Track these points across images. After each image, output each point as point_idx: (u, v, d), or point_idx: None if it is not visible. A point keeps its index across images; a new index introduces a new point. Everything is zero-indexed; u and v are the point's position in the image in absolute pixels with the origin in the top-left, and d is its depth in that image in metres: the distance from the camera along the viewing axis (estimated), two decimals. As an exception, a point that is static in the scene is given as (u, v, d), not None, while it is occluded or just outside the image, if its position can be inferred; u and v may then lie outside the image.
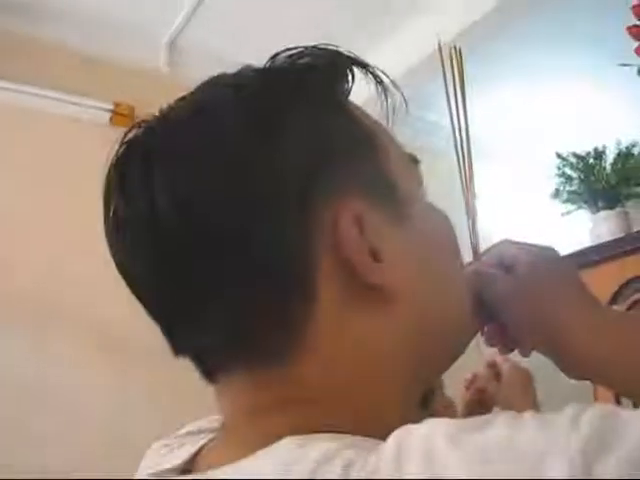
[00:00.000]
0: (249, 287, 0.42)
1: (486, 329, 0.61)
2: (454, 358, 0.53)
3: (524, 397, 1.24)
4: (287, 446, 0.37)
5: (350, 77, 0.48)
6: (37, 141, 2.42)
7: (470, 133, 0.61)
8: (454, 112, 0.62)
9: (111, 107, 2.53)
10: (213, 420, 0.54)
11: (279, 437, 0.38)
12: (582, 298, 0.57)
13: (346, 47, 0.49)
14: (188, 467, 0.47)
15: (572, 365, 0.56)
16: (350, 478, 0.33)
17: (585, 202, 2.26)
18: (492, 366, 1.28)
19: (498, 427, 0.32)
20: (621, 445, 0.28)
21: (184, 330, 0.45)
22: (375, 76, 0.49)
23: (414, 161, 0.52)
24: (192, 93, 0.48)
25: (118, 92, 2.54)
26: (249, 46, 1.91)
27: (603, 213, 2.21)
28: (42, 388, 2.22)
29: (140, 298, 0.46)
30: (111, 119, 2.52)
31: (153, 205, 0.42)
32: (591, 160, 2.27)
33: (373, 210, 0.45)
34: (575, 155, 2.30)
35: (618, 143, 2.23)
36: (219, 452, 0.46)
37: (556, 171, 2.33)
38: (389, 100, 0.51)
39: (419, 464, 0.31)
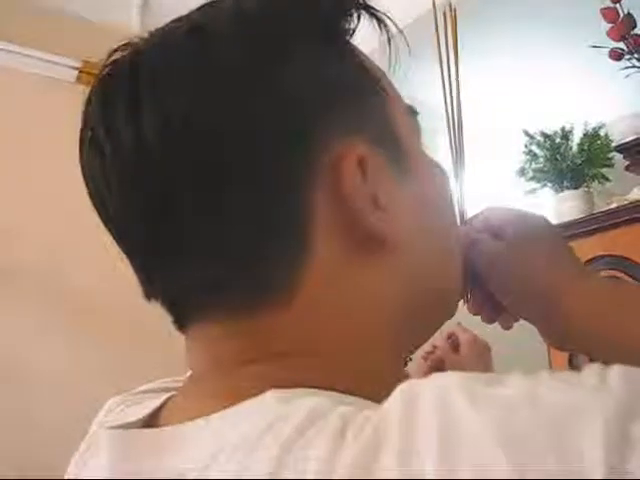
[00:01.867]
0: (238, 226, 0.39)
1: (470, 295, 0.61)
2: (445, 319, 0.51)
3: (482, 369, 1.25)
4: (268, 402, 0.35)
5: (355, 17, 0.45)
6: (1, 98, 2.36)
7: (460, 98, 0.61)
8: (446, 77, 0.62)
9: (79, 65, 2.48)
10: (178, 380, 0.51)
11: (257, 390, 0.36)
12: (571, 264, 0.57)
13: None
14: (150, 422, 0.44)
15: (559, 331, 0.55)
16: (348, 435, 0.30)
17: (550, 181, 2.28)
18: (450, 337, 1.30)
19: (515, 384, 0.29)
20: None
21: (161, 269, 0.42)
22: (380, 21, 0.47)
23: (413, 113, 0.51)
24: (187, 15, 0.44)
25: (87, 50, 2.48)
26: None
27: (567, 192, 2.23)
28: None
29: (116, 234, 0.43)
30: (78, 77, 2.47)
31: (139, 131, 0.39)
32: (558, 139, 2.29)
33: (377, 156, 0.43)
34: (542, 134, 2.32)
35: (585, 124, 2.25)
36: (186, 405, 0.43)
37: (523, 149, 2.35)
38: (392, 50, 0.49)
39: (434, 421, 0.28)
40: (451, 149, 0.64)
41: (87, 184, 0.43)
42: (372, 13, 0.46)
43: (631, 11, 2.00)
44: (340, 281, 0.42)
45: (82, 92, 0.44)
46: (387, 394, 0.31)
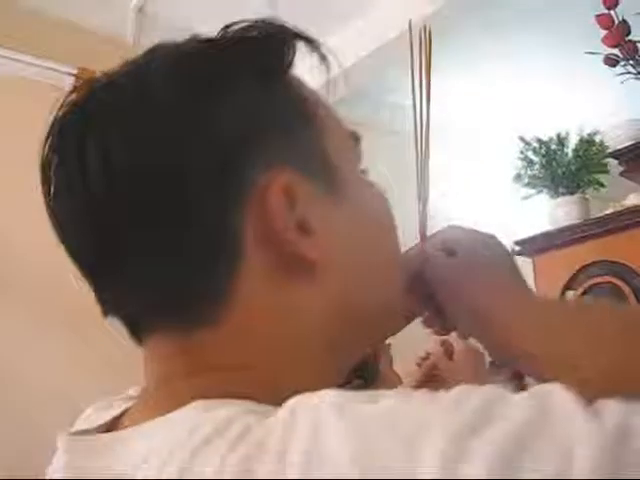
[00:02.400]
0: (171, 258, 0.43)
1: (425, 311, 0.62)
2: (376, 339, 0.54)
3: (475, 377, 1.26)
4: (193, 411, 0.38)
5: (293, 50, 0.48)
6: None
7: (431, 116, 0.62)
8: (417, 94, 0.62)
9: (74, 72, 2.48)
10: None
11: (186, 401, 0.39)
12: (515, 285, 0.58)
13: (311, 27, 0.49)
14: (110, 428, 0.47)
15: (499, 349, 0.57)
16: (244, 441, 0.33)
17: (545, 187, 2.29)
18: (444, 344, 1.30)
19: (387, 399, 0.33)
20: (493, 426, 0.28)
21: (112, 292, 0.46)
22: (318, 50, 0.49)
23: (355, 138, 0.53)
24: (136, 59, 0.47)
25: (82, 58, 2.49)
26: (218, 15, 1.88)
27: (563, 198, 2.24)
28: None
29: (73, 261, 0.46)
30: (75, 83, 2.47)
31: (85, 170, 0.42)
32: (553, 146, 2.30)
33: (305, 183, 0.45)
34: (538, 140, 2.33)
35: (580, 130, 2.26)
36: (135, 416, 0.46)
37: (519, 155, 2.36)
38: (332, 77, 0.51)
39: (305, 435, 0.31)
40: (417, 165, 0.65)
41: (49, 213, 0.47)
42: (315, 47, 0.49)
43: (625, 17, 2.01)
44: (267, 305, 0.44)
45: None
46: None
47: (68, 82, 2.47)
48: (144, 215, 0.42)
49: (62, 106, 0.46)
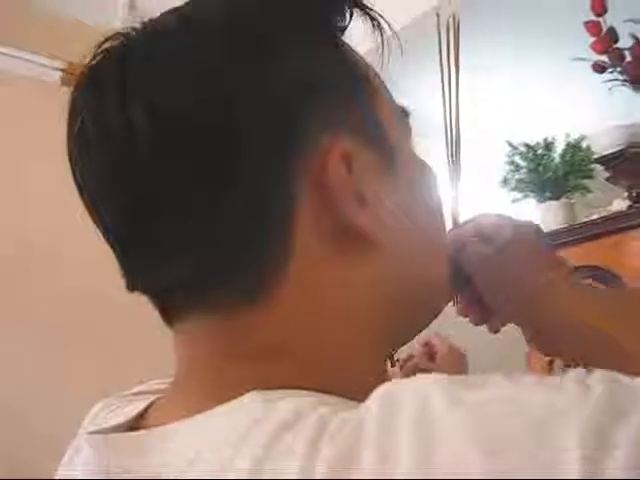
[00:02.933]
0: (223, 219, 0.39)
1: (459, 298, 0.62)
2: (430, 319, 0.51)
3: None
4: (252, 402, 0.35)
5: (348, 14, 0.45)
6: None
7: (459, 107, 0.62)
8: (446, 85, 0.62)
9: (63, 67, 2.46)
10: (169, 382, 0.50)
11: (240, 390, 0.36)
12: (560, 271, 0.58)
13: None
14: (135, 424, 0.43)
15: (548, 336, 0.56)
16: (326, 436, 0.30)
17: (532, 191, 2.30)
18: (426, 345, 1.30)
19: (496, 386, 0.30)
20: (636, 410, 0.26)
21: (146, 261, 0.41)
22: (374, 20, 0.46)
23: (405, 114, 0.51)
24: (179, 7, 0.44)
25: (71, 52, 2.46)
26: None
27: (550, 203, 2.25)
28: None
29: (102, 222, 0.42)
30: (62, 79, 2.45)
31: (128, 120, 0.38)
32: (540, 150, 2.31)
33: (364, 152, 0.42)
34: (525, 144, 2.34)
35: (567, 135, 2.28)
36: (170, 407, 0.42)
37: (506, 159, 2.37)
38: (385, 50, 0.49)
39: (411, 422, 0.28)
40: (448, 153, 0.64)
41: (74, 173, 0.43)
42: (366, 12, 0.46)
43: (614, 25, 2.03)
44: (322, 281, 0.41)
45: (66, 94, 0.43)
46: (370, 393, 0.32)
47: (56, 77, 2.45)
48: (190, 175, 0.39)
49: (95, 56, 0.42)
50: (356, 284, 0.42)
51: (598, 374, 0.28)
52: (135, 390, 0.52)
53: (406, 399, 0.30)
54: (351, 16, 0.45)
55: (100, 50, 0.42)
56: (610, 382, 0.28)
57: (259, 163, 0.39)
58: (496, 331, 0.64)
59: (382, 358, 0.47)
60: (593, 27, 2.05)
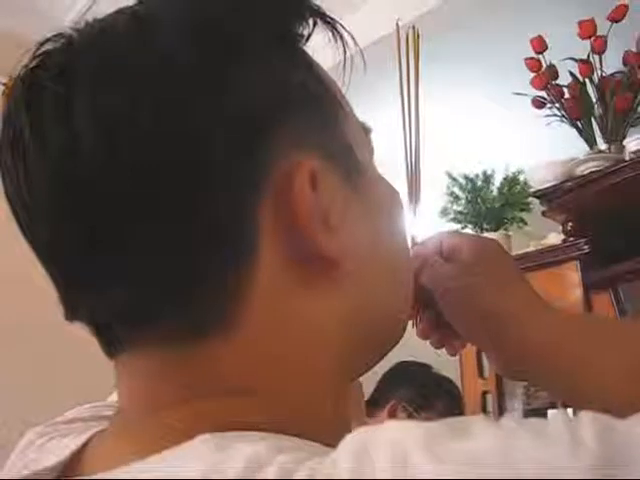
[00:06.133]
0: (173, 242, 0.35)
1: (420, 319, 0.60)
2: (392, 346, 0.48)
3: (356, 411, 1.21)
4: (203, 447, 0.30)
5: (311, 23, 0.42)
6: None
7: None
8: (406, 101, 0.61)
9: (5, 80, 2.38)
10: (111, 406, 0.45)
11: (188, 433, 0.31)
12: (526, 290, 0.56)
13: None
14: (70, 466, 0.39)
15: (513, 358, 0.54)
16: None
17: (471, 222, 2.32)
18: None
19: (484, 435, 0.27)
20: (634, 462, 0.24)
21: (87, 287, 0.37)
22: (335, 30, 0.43)
23: (367, 130, 0.48)
24: (130, 6, 0.40)
25: (15, 66, 2.39)
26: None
27: (487, 235, 2.28)
28: None
29: (36, 245, 0.38)
30: (3, 92, 2.37)
31: (70, 132, 0.34)
32: (479, 182, 2.35)
33: (330, 173, 0.39)
34: (464, 176, 2.37)
35: (506, 169, 2.32)
36: (109, 448, 0.38)
37: (445, 190, 2.40)
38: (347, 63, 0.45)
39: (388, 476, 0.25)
40: (407, 170, 0.63)
41: (6, 190, 0.38)
42: (327, 22, 0.43)
43: (553, 62, 2.09)
44: (285, 311, 0.38)
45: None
46: (333, 429, 0.29)
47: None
48: (137, 197, 0.34)
49: (33, 58, 0.38)
50: (322, 315, 0.39)
51: (587, 423, 0.26)
52: (70, 416, 0.47)
53: (381, 456, 0.26)
54: (314, 25, 0.42)
55: (40, 52, 0.39)
56: (601, 431, 0.26)
57: (217, 183, 0.35)
58: (454, 354, 0.62)
59: (345, 390, 0.43)
60: (533, 64, 2.10)
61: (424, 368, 1.90)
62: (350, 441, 0.28)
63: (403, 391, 1.83)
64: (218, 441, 0.30)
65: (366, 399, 1.76)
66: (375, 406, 1.83)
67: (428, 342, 0.62)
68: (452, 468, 0.25)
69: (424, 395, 1.80)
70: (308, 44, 0.43)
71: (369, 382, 1.79)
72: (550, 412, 1.87)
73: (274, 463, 0.28)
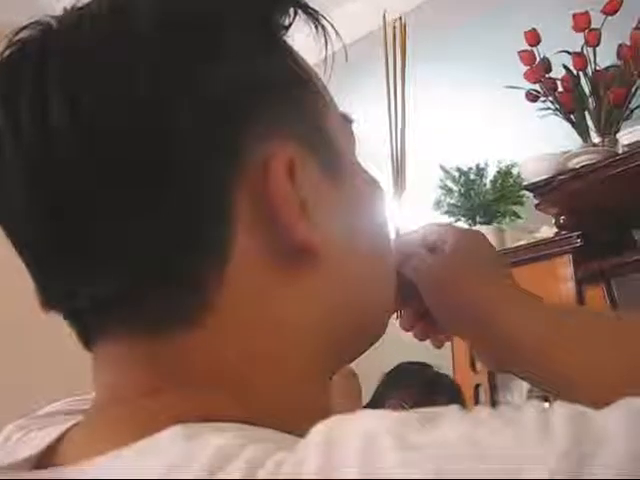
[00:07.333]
0: (148, 230, 0.35)
1: (403, 312, 0.59)
2: (375, 340, 0.47)
3: (349, 402, 1.21)
4: (171, 440, 0.30)
5: (292, 13, 0.42)
6: None
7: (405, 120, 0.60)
8: (392, 93, 0.61)
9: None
10: (88, 400, 0.44)
11: (160, 423, 0.31)
12: (508, 281, 0.56)
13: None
14: (45, 457, 0.38)
15: (500, 351, 0.53)
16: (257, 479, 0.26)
17: (464, 215, 2.33)
18: None
19: (453, 424, 0.27)
20: (603, 449, 0.24)
21: (61, 275, 0.37)
22: (317, 21, 0.43)
23: (348, 120, 0.47)
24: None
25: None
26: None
27: (480, 228, 2.28)
28: None
29: (10, 232, 0.38)
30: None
31: (45, 118, 0.34)
32: (472, 176, 2.35)
33: (308, 160, 0.39)
34: (458, 169, 2.37)
35: (499, 162, 2.32)
36: (85, 440, 0.37)
37: (439, 183, 2.40)
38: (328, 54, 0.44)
39: (356, 472, 0.25)
40: (392, 163, 0.62)
41: None
42: (309, 13, 0.43)
43: (547, 55, 2.08)
44: (261, 300, 0.38)
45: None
46: (311, 423, 0.28)
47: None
48: (111, 184, 0.34)
49: (9, 46, 0.37)
50: (298, 306, 0.39)
51: (559, 412, 0.26)
52: (50, 409, 0.47)
53: (349, 443, 0.26)
54: (295, 15, 0.42)
55: (15, 40, 0.38)
56: (571, 420, 0.26)
57: (191, 167, 0.35)
58: (439, 346, 0.62)
59: (323, 383, 0.43)
60: (526, 57, 2.10)
61: (425, 368, 1.90)
62: (320, 432, 0.28)
63: (403, 391, 1.83)
64: (186, 432, 0.30)
65: (367, 400, 1.77)
66: (375, 406, 1.83)
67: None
68: (421, 456, 0.25)
69: (424, 395, 1.80)
70: (295, 40, 0.43)
71: (369, 382, 1.79)
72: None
73: (242, 455, 0.27)
